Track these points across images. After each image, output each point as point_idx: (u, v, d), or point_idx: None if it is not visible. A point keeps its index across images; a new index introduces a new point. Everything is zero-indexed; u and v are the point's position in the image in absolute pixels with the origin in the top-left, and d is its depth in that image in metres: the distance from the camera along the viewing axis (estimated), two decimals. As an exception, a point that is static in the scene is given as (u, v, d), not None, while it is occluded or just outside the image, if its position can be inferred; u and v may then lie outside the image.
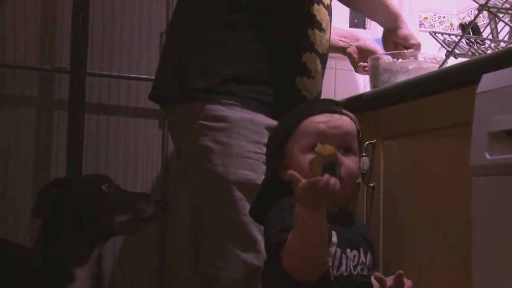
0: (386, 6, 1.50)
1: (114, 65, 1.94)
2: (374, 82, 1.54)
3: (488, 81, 0.92)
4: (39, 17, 1.88)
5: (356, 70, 1.77)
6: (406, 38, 1.54)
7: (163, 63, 1.50)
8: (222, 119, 1.33)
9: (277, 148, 1.14)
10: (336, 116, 1.12)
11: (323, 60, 1.50)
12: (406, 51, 1.53)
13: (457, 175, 1.09)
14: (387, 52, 1.57)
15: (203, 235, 1.35)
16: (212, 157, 1.32)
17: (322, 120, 1.10)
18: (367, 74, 1.63)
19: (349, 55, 1.76)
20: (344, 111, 1.15)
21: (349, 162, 1.09)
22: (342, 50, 1.76)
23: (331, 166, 0.95)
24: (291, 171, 0.97)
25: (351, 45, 1.75)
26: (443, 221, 1.13)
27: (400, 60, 1.49)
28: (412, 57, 1.50)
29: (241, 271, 1.28)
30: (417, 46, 1.54)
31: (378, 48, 1.71)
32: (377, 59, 1.54)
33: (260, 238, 1.28)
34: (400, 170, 1.30)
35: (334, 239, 1.05)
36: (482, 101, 0.90)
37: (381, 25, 1.64)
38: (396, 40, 1.55)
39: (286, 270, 0.99)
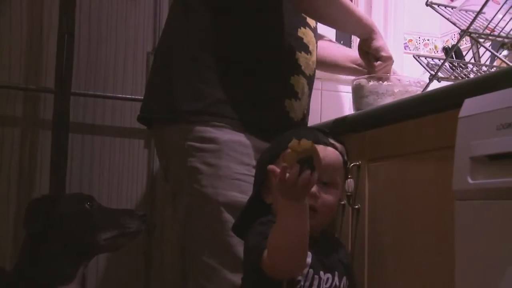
0: (357, 19, 1.50)
1: (99, 84, 1.94)
2: (357, 104, 1.54)
3: (470, 105, 0.93)
4: (25, 37, 1.87)
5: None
6: (377, 50, 1.54)
7: (151, 84, 1.50)
8: (211, 140, 1.33)
9: (261, 172, 1.16)
10: (321, 147, 1.12)
11: (310, 82, 1.52)
12: (389, 64, 1.54)
13: (441, 198, 1.09)
14: (370, 76, 1.56)
15: (190, 255, 1.34)
16: (201, 178, 1.32)
17: None
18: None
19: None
20: (331, 141, 1.16)
21: (326, 196, 1.13)
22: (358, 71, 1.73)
23: (308, 160, 0.96)
24: (271, 166, 1.01)
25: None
26: (428, 244, 1.13)
27: (385, 83, 1.50)
28: (398, 80, 1.52)
29: None
30: (387, 59, 1.54)
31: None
32: (361, 81, 1.55)
33: None
34: (385, 192, 1.30)
35: (309, 259, 1.06)
36: (464, 126, 0.91)
37: (355, 36, 1.65)
38: (368, 50, 1.56)
39: (266, 273, 1.02)
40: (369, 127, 1.35)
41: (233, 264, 1.28)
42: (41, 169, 1.84)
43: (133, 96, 1.93)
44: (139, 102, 1.56)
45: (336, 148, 1.16)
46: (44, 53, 1.88)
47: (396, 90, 1.48)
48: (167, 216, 1.92)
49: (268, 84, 1.41)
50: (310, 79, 1.52)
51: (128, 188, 1.95)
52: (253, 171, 1.30)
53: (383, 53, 1.54)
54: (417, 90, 1.45)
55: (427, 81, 1.40)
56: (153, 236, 1.94)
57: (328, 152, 1.14)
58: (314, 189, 1.08)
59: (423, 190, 1.17)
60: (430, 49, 2.21)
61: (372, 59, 1.55)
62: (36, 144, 1.86)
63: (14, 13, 1.86)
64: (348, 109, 2.02)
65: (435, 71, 1.35)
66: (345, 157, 1.19)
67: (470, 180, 0.86)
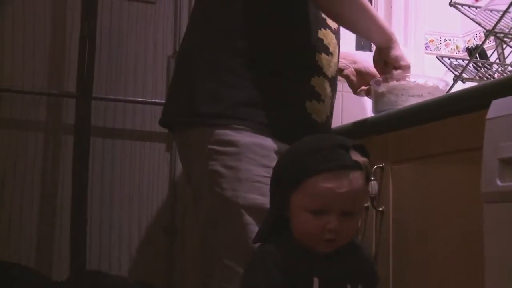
0: (379, 25, 1.49)
1: (120, 88, 1.95)
2: (376, 105, 1.53)
3: (498, 107, 0.91)
4: (48, 43, 1.90)
5: (355, 93, 1.76)
6: (397, 59, 1.52)
7: (173, 88, 1.50)
8: (231, 143, 1.32)
9: (282, 198, 1.16)
10: (344, 180, 1.08)
11: (333, 83, 1.50)
12: (408, 74, 1.53)
13: (467, 201, 1.08)
14: (387, 76, 1.55)
15: (212, 259, 1.34)
16: (221, 182, 1.31)
17: (329, 186, 1.08)
18: (368, 96, 1.63)
19: (346, 77, 1.74)
20: (354, 158, 1.11)
21: (347, 226, 1.11)
22: (339, 71, 1.75)
23: None
24: None
25: (349, 67, 1.74)
26: (455, 247, 1.12)
27: (403, 83, 1.48)
28: (416, 81, 1.50)
29: None
30: (406, 68, 1.52)
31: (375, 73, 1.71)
32: (379, 82, 1.54)
33: None
34: (409, 194, 1.29)
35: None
36: (492, 127, 0.89)
37: (374, 43, 1.64)
38: (387, 60, 1.54)
39: None
40: (393, 128, 1.34)
41: None
42: (64, 173, 1.86)
43: (153, 100, 1.94)
44: (160, 106, 1.56)
45: (360, 168, 1.12)
46: (66, 58, 1.90)
47: (416, 91, 1.46)
48: (189, 220, 1.93)
49: (288, 85, 1.40)
50: (333, 81, 1.51)
51: (149, 191, 1.96)
52: None
53: (402, 62, 1.52)
54: (439, 91, 1.43)
55: (450, 82, 1.39)
56: (174, 240, 1.95)
57: (353, 180, 1.09)
58: (333, 225, 1.07)
59: (448, 192, 1.16)
60: (451, 49, 2.18)
61: (391, 68, 1.54)
62: (58, 149, 1.88)
63: (37, 19, 1.88)
64: (369, 111, 2.00)
65: (459, 71, 1.33)
66: (368, 173, 1.16)
67: (499, 183, 0.85)
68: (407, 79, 1.50)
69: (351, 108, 2.05)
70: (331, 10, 1.43)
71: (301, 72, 1.42)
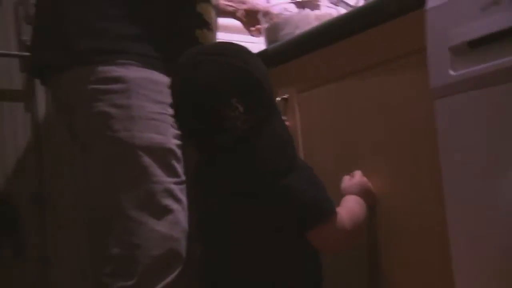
0: None
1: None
2: (271, 37, 1.44)
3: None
4: None
5: (250, 34, 1.68)
6: None
7: (38, 28, 1.28)
8: (118, 80, 1.16)
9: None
10: None
11: (217, 12, 1.39)
12: None
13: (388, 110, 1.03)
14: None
15: (109, 215, 1.16)
16: (112, 123, 1.14)
17: None
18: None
19: (239, 20, 1.67)
20: None
21: None
22: (231, 15, 1.66)
23: None
24: None
25: (238, 9, 1.66)
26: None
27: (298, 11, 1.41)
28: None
29: (160, 246, 1.13)
30: None
31: (266, 6, 1.63)
32: (268, 14, 1.45)
33: (176, 207, 1.16)
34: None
35: None
36: (434, 18, 0.82)
37: None
38: None
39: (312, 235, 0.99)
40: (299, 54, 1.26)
41: (158, 214, 1.15)
42: None
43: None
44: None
45: None
46: None
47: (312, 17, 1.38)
48: (58, 188, 1.70)
49: (175, 15, 1.26)
50: (217, 9, 1.39)
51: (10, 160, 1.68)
52: (169, 110, 1.15)
53: None
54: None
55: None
56: (45, 210, 1.70)
57: None
58: None
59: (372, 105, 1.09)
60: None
61: None
62: None
63: None
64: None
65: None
66: None
67: (452, 72, 0.78)
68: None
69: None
70: None
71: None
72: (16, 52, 1.62)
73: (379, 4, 1.05)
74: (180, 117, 1.05)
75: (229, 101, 0.95)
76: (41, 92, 1.68)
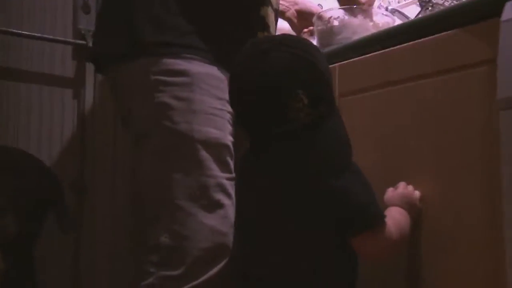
0: None
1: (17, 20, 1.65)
2: (326, 40, 1.45)
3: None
4: None
5: (298, 35, 1.69)
6: None
7: (104, 18, 1.31)
8: (182, 73, 1.18)
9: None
10: None
11: (276, 15, 1.42)
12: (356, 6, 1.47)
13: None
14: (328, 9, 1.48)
15: (159, 203, 1.18)
16: (172, 114, 1.16)
17: None
18: (312, 37, 1.56)
19: (288, 20, 1.68)
20: None
21: None
22: (281, 14, 1.67)
23: None
24: None
25: (290, 8, 1.67)
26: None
27: (352, 17, 1.42)
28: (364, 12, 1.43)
29: (209, 239, 1.14)
30: (370, 1, 1.49)
31: (319, 9, 1.64)
32: (323, 17, 1.46)
33: (226, 202, 1.16)
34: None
35: None
36: (510, 29, 0.84)
37: None
38: None
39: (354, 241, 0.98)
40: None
41: (209, 207, 1.16)
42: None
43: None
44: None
45: None
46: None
47: (366, 25, 1.40)
48: (99, 176, 1.73)
49: (239, 16, 1.28)
50: (277, 13, 1.42)
51: (52, 145, 1.71)
52: (228, 106, 1.17)
53: None
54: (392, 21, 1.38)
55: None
56: (85, 199, 1.73)
57: None
58: None
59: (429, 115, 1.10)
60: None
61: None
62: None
63: None
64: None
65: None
66: None
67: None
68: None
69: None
70: None
71: (251, 3, 1.32)
72: (72, 40, 1.66)
73: (443, 14, 1.06)
74: (237, 102, 1.04)
75: (296, 91, 0.95)
76: (90, 81, 1.72)
